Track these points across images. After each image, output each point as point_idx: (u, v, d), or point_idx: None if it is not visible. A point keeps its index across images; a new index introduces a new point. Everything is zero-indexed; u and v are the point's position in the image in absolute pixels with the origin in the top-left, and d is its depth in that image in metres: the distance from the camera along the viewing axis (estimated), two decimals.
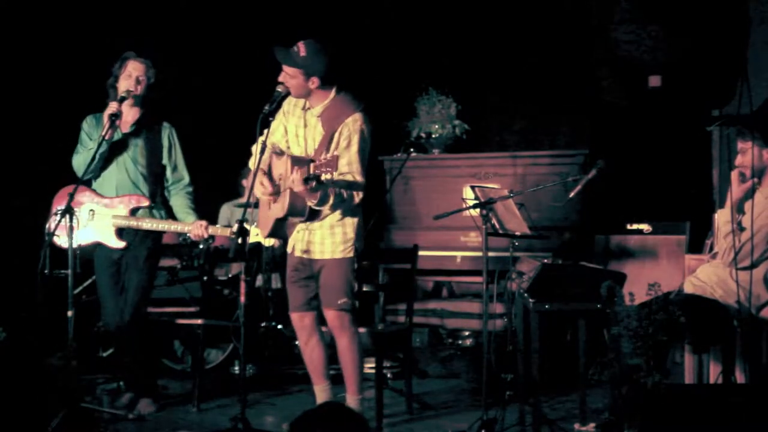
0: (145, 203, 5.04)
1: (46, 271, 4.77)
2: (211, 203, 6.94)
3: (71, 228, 4.65)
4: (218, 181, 6.87)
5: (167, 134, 5.14)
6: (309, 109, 4.52)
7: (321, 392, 4.61)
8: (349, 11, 7.30)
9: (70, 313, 4.62)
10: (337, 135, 4.43)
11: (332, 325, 4.56)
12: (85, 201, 5.05)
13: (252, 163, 4.57)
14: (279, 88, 4.45)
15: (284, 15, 7.04)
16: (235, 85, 6.96)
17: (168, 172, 5.14)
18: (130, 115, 5.06)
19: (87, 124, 5.08)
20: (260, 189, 4.48)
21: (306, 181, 4.16)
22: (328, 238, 4.50)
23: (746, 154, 4.50)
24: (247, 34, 7.09)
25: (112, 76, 5.02)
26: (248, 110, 4.69)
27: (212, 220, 6.63)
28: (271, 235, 4.59)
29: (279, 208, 4.47)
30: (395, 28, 7.55)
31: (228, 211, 6.89)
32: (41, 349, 5.74)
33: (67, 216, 4.62)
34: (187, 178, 5.18)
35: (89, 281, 6.20)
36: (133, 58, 5.02)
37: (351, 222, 4.53)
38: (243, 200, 6.66)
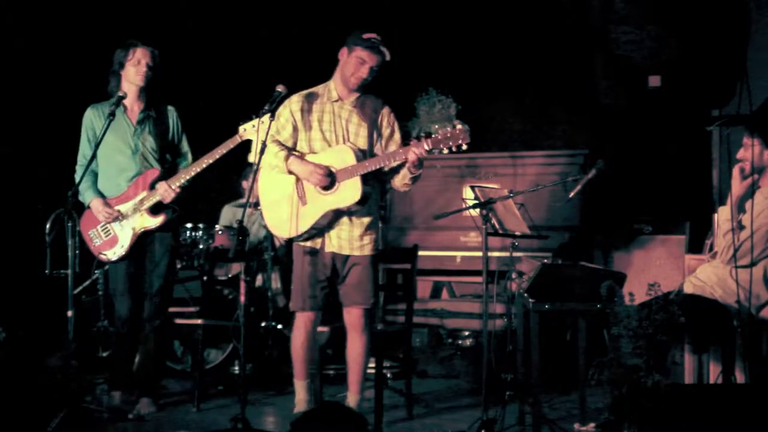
0: (157, 173, 4.99)
1: (46, 271, 4.78)
2: (213, 204, 6.94)
3: (72, 228, 4.66)
4: (219, 183, 6.88)
5: (172, 116, 5.14)
6: (339, 100, 4.58)
7: (305, 388, 4.65)
8: (349, 11, 7.30)
9: (70, 313, 4.62)
10: (379, 121, 4.59)
11: (357, 323, 4.59)
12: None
13: (254, 156, 4.55)
14: (279, 88, 4.47)
15: (283, 14, 7.04)
16: (234, 85, 6.96)
17: (171, 150, 5.14)
18: (137, 104, 5.06)
19: (91, 119, 5.05)
20: (318, 179, 4.41)
21: (435, 144, 4.32)
22: (367, 236, 4.57)
23: (748, 149, 4.52)
24: (246, 34, 7.10)
25: (116, 63, 4.99)
26: (248, 111, 4.69)
27: (214, 220, 6.65)
28: (306, 235, 4.51)
29: (339, 198, 4.44)
30: (395, 28, 7.54)
31: (230, 212, 6.89)
32: (41, 349, 5.75)
33: (65, 217, 4.65)
34: (189, 158, 5.16)
35: (89, 281, 6.21)
36: (140, 45, 4.99)
37: (377, 219, 4.67)
38: (245, 201, 6.68)
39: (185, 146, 5.17)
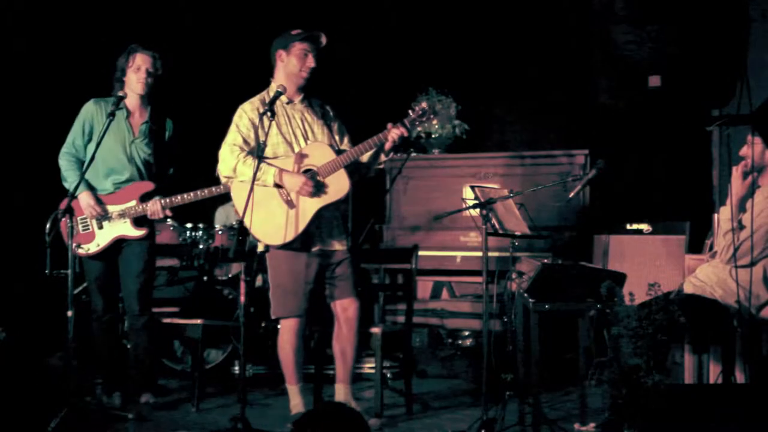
0: (151, 187, 5.02)
1: (46, 271, 4.78)
2: (207, 205, 6.93)
3: (71, 228, 4.66)
4: (213, 184, 6.88)
5: (169, 130, 5.16)
6: (290, 102, 4.66)
7: (298, 392, 4.65)
8: (349, 11, 7.30)
9: (70, 313, 4.62)
10: (327, 116, 4.74)
11: (353, 315, 4.65)
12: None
13: (225, 169, 4.56)
14: (279, 88, 4.53)
15: (284, 14, 7.03)
16: (231, 86, 6.96)
17: (164, 161, 5.15)
18: (139, 111, 5.06)
19: (91, 113, 5.03)
20: (309, 191, 4.45)
21: (412, 124, 4.51)
22: (346, 230, 4.66)
23: (752, 149, 4.54)
24: (246, 34, 7.10)
25: (118, 70, 4.99)
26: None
27: (208, 221, 6.65)
28: (294, 237, 4.51)
29: (330, 193, 4.50)
30: (395, 28, 7.55)
31: (224, 213, 6.89)
32: (41, 349, 5.75)
33: (68, 216, 4.65)
34: (173, 169, 5.20)
35: None
36: (140, 50, 4.99)
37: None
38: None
39: (174, 157, 5.19)
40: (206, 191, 4.95)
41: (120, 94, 4.89)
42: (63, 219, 4.84)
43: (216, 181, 4.76)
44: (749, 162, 4.51)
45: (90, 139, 4.99)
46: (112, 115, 4.78)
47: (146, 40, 5.14)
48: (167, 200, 4.97)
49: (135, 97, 5.02)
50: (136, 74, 4.97)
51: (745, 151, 4.55)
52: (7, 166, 6.36)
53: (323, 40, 4.64)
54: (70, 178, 4.96)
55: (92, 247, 5.01)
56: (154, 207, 4.96)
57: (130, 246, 5.03)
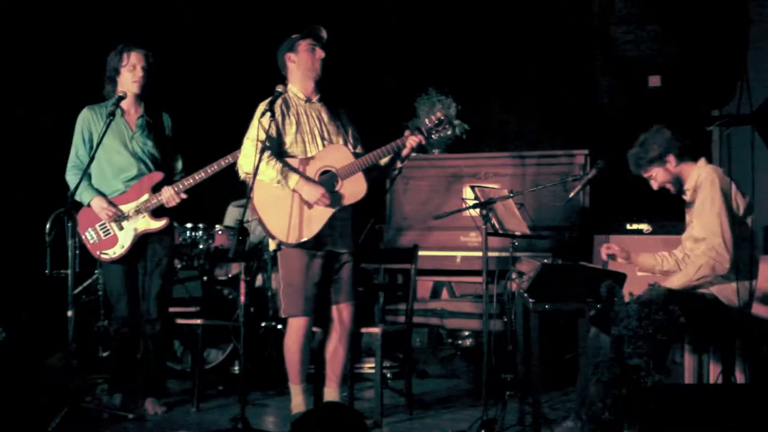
0: (160, 177, 5.01)
1: (46, 271, 4.78)
2: (219, 203, 6.93)
3: (72, 228, 4.67)
4: (224, 182, 6.89)
5: (167, 123, 5.15)
6: (309, 101, 4.71)
7: (301, 391, 4.66)
8: (350, 11, 7.30)
9: (70, 313, 4.62)
10: (343, 117, 4.78)
11: (347, 320, 4.67)
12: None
13: (247, 164, 4.56)
14: (279, 88, 4.59)
15: (284, 14, 7.04)
16: (239, 84, 6.97)
17: (167, 154, 5.15)
18: (134, 108, 5.06)
19: (88, 120, 5.03)
20: (326, 203, 4.48)
21: (429, 132, 4.60)
22: (353, 233, 4.67)
23: (657, 176, 4.61)
24: (249, 34, 7.11)
25: (112, 69, 4.98)
26: (252, 109, 4.70)
27: (219, 220, 6.65)
28: (311, 236, 4.52)
29: (347, 196, 4.55)
30: (396, 28, 7.55)
31: (236, 212, 6.89)
32: (41, 349, 5.75)
33: (67, 218, 4.66)
34: (181, 162, 5.19)
35: (89, 281, 6.21)
36: (134, 49, 4.98)
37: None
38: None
39: (177, 150, 5.18)
40: (215, 165, 4.94)
41: (120, 95, 4.90)
42: (81, 228, 4.87)
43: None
44: (672, 188, 4.55)
45: (91, 146, 4.98)
46: (112, 115, 4.79)
47: (142, 37, 5.13)
48: (180, 185, 4.97)
49: (130, 95, 5.00)
50: (132, 73, 4.96)
51: (657, 184, 4.59)
52: (8, 166, 6.36)
53: (323, 34, 4.71)
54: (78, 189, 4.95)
55: (118, 250, 4.99)
56: (168, 194, 4.95)
57: (151, 246, 5.02)
